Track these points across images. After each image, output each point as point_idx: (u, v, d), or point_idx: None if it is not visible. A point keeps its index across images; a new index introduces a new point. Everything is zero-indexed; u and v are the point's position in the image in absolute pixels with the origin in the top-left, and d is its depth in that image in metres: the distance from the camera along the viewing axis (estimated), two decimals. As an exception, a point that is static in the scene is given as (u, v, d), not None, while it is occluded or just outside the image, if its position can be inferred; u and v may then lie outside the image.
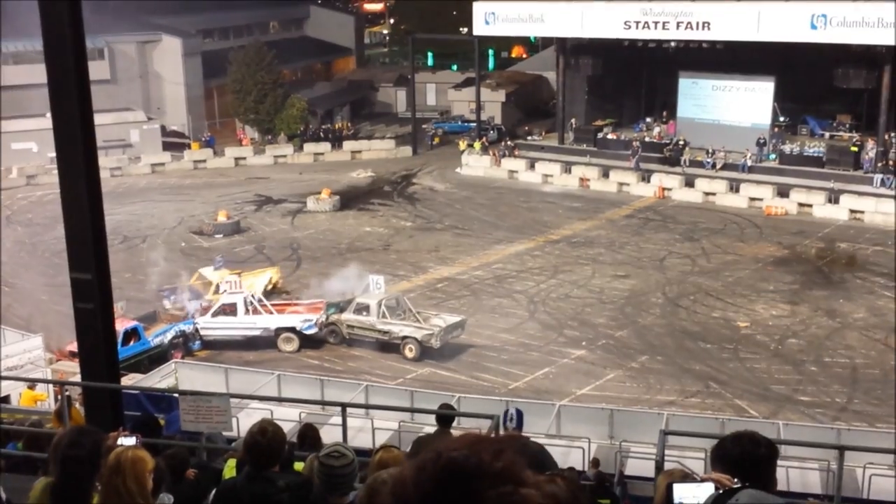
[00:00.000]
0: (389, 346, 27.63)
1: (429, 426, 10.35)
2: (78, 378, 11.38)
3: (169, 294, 30.32)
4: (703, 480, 2.84)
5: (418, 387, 23.35)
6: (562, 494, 2.86)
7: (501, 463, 1.48)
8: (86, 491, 4.73)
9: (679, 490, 2.81)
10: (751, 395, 24.45)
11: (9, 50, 52.46)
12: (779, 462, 3.63)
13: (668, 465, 6.80)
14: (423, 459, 1.50)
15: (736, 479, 2.82)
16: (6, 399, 19.83)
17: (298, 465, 6.80)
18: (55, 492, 4.76)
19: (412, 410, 15.42)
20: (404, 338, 27.26)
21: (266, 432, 5.65)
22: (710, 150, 45.18)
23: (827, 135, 46.05)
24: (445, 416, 9.95)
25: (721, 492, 2.58)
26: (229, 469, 7.61)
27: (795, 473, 15.09)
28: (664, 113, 50.04)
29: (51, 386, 20.73)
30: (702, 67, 46.32)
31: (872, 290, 31.95)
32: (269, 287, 31.31)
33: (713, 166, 44.94)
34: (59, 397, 15.99)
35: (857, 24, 39.08)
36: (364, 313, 27.95)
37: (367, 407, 18.61)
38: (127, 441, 5.09)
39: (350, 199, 45.41)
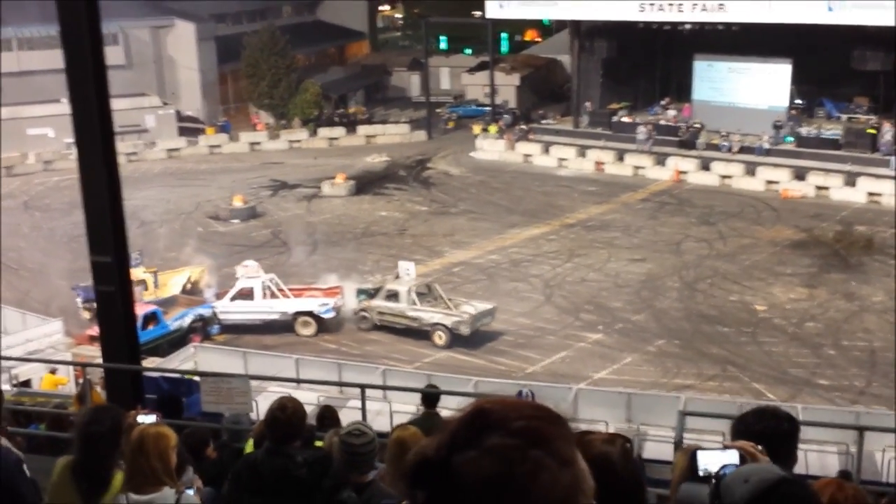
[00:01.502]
0: (414, 331, 27.57)
1: (446, 410, 10.38)
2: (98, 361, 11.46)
3: (81, 291, 28.56)
4: (726, 448, 2.81)
5: (436, 371, 23.37)
6: (614, 455, 2.86)
7: (522, 421, 1.48)
8: (107, 468, 4.76)
9: (703, 457, 2.79)
10: (769, 379, 24.39)
11: (23, 35, 52.63)
12: (798, 446, 3.61)
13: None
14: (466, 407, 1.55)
15: (760, 447, 2.81)
16: (27, 383, 19.99)
17: (319, 443, 6.84)
18: (76, 469, 4.79)
19: (430, 392, 15.46)
20: (434, 325, 27.15)
21: (286, 408, 5.69)
22: (726, 133, 44.90)
23: (844, 117, 45.67)
24: (431, 397, 10.01)
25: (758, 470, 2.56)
26: (248, 447, 7.66)
27: (814, 457, 15.03)
28: (668, 100, 49.73)
29: (71, 370, 20.87)
30: (717, 50, 45.95)
31: (890, 273, 31.74)
32: (188, 286, 30.30)
33: (729, 149, 44.70)
34: (80, 381, 16.10)
35: (874, 6, 38.67)
36: (394, 300, 27.84)
37: (386, 388, 18.65)
38: (147, 419, 5.11)
39: (365, 183, 45.43)
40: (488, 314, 27.71)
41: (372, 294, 28.58)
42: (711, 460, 2.77)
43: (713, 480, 2.61)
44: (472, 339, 26.93)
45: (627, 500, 2.85)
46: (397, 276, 28.94)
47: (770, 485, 2.36)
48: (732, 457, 2.74)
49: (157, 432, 4.65)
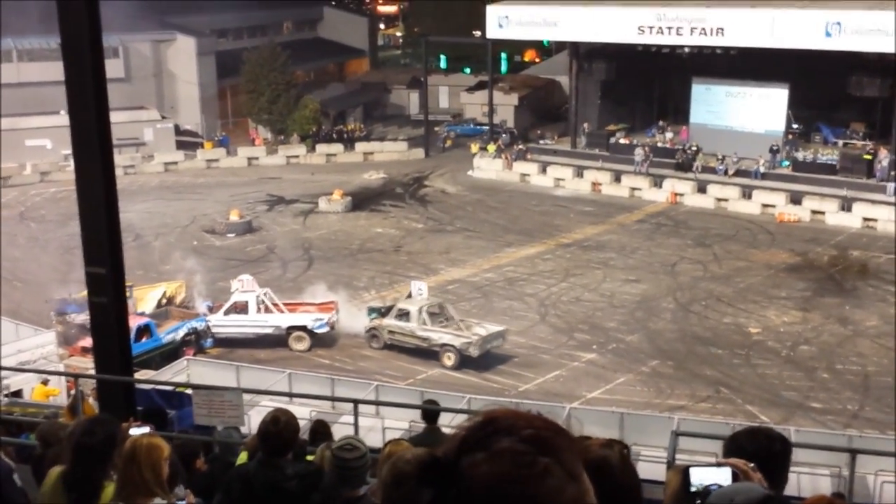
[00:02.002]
0: (423, 351, 27.32)
1: (442, 427, 10.36)
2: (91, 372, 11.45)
3: (55, 304, 28.53)
4: (720, 465, 2.83)
5: (429, 388, 23.34)
6: (613, 460, 2.87)
7: (531, 430, 1.49)
8: (97, 480, 4.75)
9: (696, 474, 2.80)
10: (762, 401, 24.39)
11: (23, 47, 52.77)
12: (790, 468, 3.62)
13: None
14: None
15: (753, 465, 2.82)
16: (19, 393, 19.91)
17: (311, 458, 6.83)
18: (67, 480, 4.78)
19: (423, 408, 15.47)
20: (443, 345, 26.88)
21: (279, 421, 5.70)
22: (722, 157, 45.08)
23: (840, 142, 45.87)
24: (432, 413, 10.01)
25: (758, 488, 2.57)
26: (241, 460, 7.65)
27: (806, 479, 15.01)
28: (665, 122, 49.94)
29: (63, 381, 20.81)
30: (715, 73, 46.20)
31: (884, 298, 31.81)
32: (164, 301, 29.82)
33: (725, 172, 44.85)
34: (72, 392, 16.06)
35: (872, 32, 38.92)
36: (405, 319, 27.60)
37: (379, 404, 18.63)
38: (139, 431, 5.11)
39: (362, 200, 45.49)
40: (499, 336, 27.44)
41: (383, 312, 28.37)
42: (704, 477, 2.78)
43: (698, 501, 2.63)
44: (481, 361, 26.68)
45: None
46: (409, 296, 28.75)
47: (755, 503, 2.37)
48: (725, 474, 2.75)
49: (150, 443, 4.65)
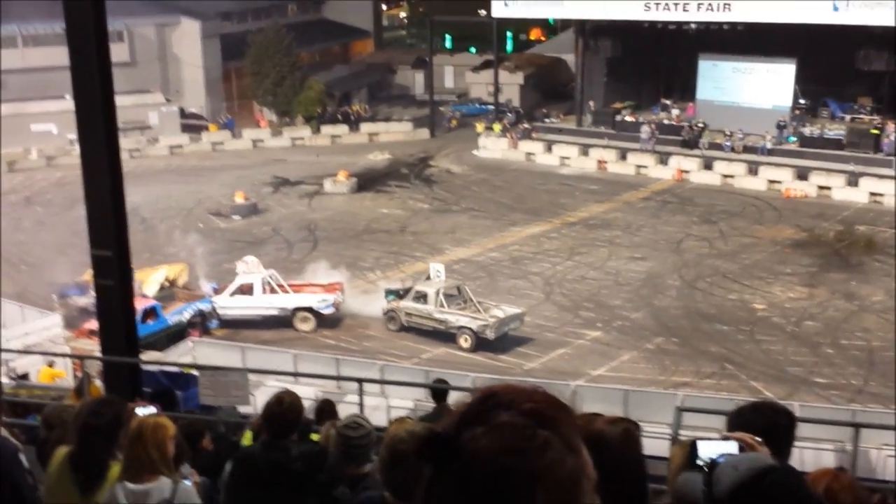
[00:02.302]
0: (440, 333, 27.20)
1: (451, 406, 10.43)
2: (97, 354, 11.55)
3: (57, 287, 28.65)
4: (726, 438, 2.85)
5: (434, 367, 23.45)
6: (610, 434, 2.91)
7: (531, 404, 1.50)
8: (103, 460, 4.80)
9: (703, 447, 2.82)
10: (766, 377, 24.44)
11: (28, 32, 52.74)
12: (794, 442, 3.64)
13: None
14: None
15: (760, 439, 2.85)
16: (25, 376, 20.06)
17: (316, 436, 6.90)
18: (73, 460, 4.84)
19: (431, 387, 15.60)
20: (460, 328, 26.80)
21: (283, 401, 5.73)
22: (729, 133, 44.93)
23: (847, 117, 45.65)
24: (441, 391, 10.10)
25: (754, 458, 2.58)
26: (246, 440, 7.73)
27: (810, 454, 15.07)
28: (672, 99, 49.74)
29: (69, 364, 20.96)
30: (722, 49, 45.96)
31: (890, 274, 31.74)
32: (166, 284, 29.74)
33: (732, 149, 44.71)
34: (78, 374, 16.19)
35: (880, 6, 38.65)
36: (422, 301, 27.50)
37: (384, 382, 18.74)
38: (145, 411, 5.16)
39: (367, 181, 45.47)
40: (516, 319, 27.24)
41: (401, 295, 28.24)
42: (711, 450, 2.80)
43: (706, 469, 2.66)
44: (497, 343, 26.57)
45: (624, 484, 2.91)
46: (427, 278, 28.68)
47: (759, 472, 2.39)
48: (732, 448, 2.77)
49: (156, 422, 4.70)
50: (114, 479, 4.74)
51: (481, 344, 26.56)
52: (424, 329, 27.59)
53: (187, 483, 5.03)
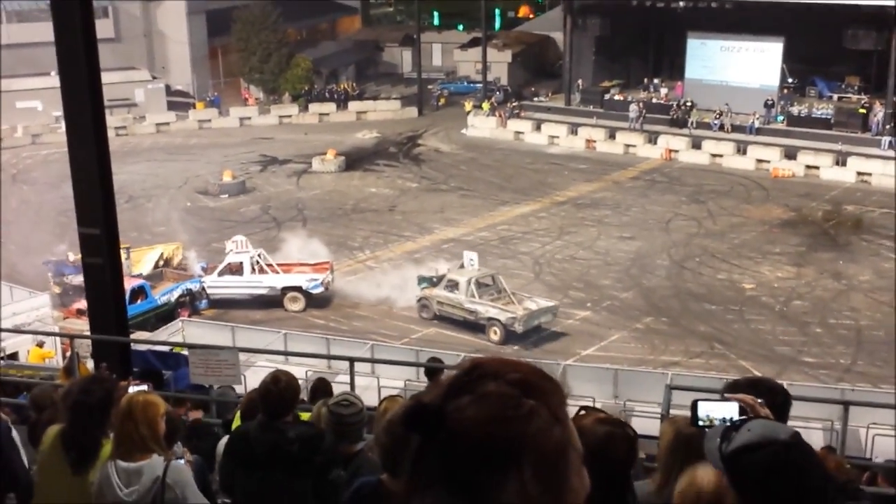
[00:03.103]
0: (471, 324, 26.57)
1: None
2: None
3: (52, 266, 28.58)
4: (727, 398, 2.83)
5: (423, 346, 23.43)
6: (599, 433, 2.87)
7: (517, 374, 1.49)
8: (95, 438, 4.76)
9: (704, 407, 2.81)
10: (755, 356, 24.53)
11: (13, 8, 52.16)
12: (787, 419, 3.63)
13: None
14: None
15: (761, 401, 2.82)
16: (14, 356, 19.94)
17: (304, 415, 6.85)
18: (65, 438, 4.79)
19: (419, 365, 15.59)
20: (489, 319, 26.08)
21: (279, 381, 5.69)
22: (719, 112, 44.90)
23: (835, 97, 45.74)
24: (434, 371, 10.10)
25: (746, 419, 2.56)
26: (236, 421, 7.67)
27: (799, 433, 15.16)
28: (660, 78, 49.64)
29: (59, 344, 20.84)
30: (710, 28, 45.88)
31: (878, 253, 31.93)
32: (161, 263, 29.87)
33: (721, 128, 44.70)
34: (68, 354, 16.07)
35: (868, -15, 38.67)
36: (454, 290, 26.67)
37: (375, 361, 18.71)
38: (137, 390, 5.11)
39: (355, 159, 45.30)
40: (548, 311, 26.37)
41: (434, 282, 27.42)
42: (711, 409, 2.79)
43: (706, 429, 2.63)
44: (528, 335, 25.94)
45: (610, 481, 2.87)
46: (461, 266, 27.71)
47: (769, 441, 2.35)
48: (732, 408, 2.76)
49: (146, 400, 4.65)
50: (106, 457, 4.69)
51: (511, 336, 25.72)
52: (455, 319, 26.76)
53: (180, 461, 4.98)
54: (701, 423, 2.78)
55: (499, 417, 1.45)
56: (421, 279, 27.88)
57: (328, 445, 5.64)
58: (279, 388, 5.64)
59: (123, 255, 28.41)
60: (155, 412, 4.62)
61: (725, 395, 2.89)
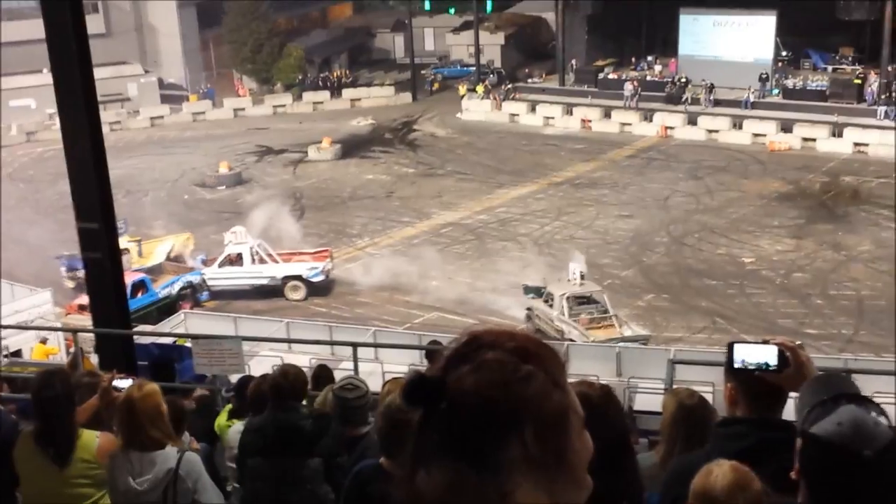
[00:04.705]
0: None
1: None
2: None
3: (64, 261, 28.41)
4: (766, 342, 2.75)
5: (426, 331, 23.44)
6: (592, 395, 2.90)
7: (514, 343, 1.51)
8: (69, 429, 4.71)
9: (740, 350, 2.73)
10: (757, 330, 24.52)
11: (3, 6, 51.91)
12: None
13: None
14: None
15: (799, 342, 2.76)
16: (18, 353, 19.96)
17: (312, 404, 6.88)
18: (40, 437, 4.75)
19: (422, 348, 15.62)
20: (572, 341, 22.83)
21: (288, 374, 5.82)
22: (710, 85, 44.69)
23: (830, 68, 45.66)
24: (435, 352, 10.12)
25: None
26: (223, 415, 7.66)
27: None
28: (654, 55, 49.48)
29: (62, 340, 20.87)
30: (702, 3, 45.74)
31: (877, 223, 31.94)
32: (172, 254, 29.84)
33: (712, 102, 44.58)
34: (72, 349, 16.10)
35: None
36: (549, 304, 24.86)
37: (378, 346, 18.75)
38: (123, 383, 5.05)
39: (351, 147, 45.22)
40: (636, 340, 23.20)
41: (540, 293, 25.62)
42: (749, 354, 2.72)
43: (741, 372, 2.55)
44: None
45: (610, 439, 2.88)
46: (569, 280, 25.43)
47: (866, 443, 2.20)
48: (771, 352, 2.69)
49: (143, 393, 4.59)
50: (86, 446, 4.67)
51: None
52: (551, 336, 23.96)
53: (193, 453, 4.98)
54: (737, 366, 2.72)
55: (498, 382, 1.46)
56: (527, 289, 26.17)
57: (336, 430, 5.68)
58: (289, 381, 5.75)
59: (134, 248, 28.70)
60: (155, 401, 4.60)
61: (764, 339, 2.81)
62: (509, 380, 1.47)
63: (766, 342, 2.72)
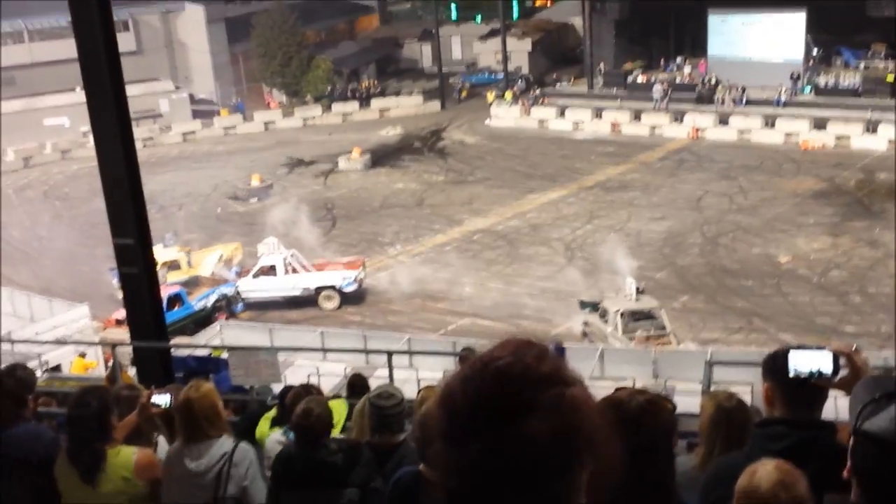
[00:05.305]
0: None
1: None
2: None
3: (116, 273, 29.09)
4: (819, 348, 2.72)
5: (460, 337, 23.43)
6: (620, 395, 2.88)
7: (547, 366, 1.49)
8: (98, 449, 4.71)
9: (795, 357, 2.70)
10: (795, 329, 24.30)
11: (34, 27, 52.76)
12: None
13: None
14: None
15: (855, 346, 2.73)
16: (58, 368, 20.19)
17: (334, 402, 6.85)
18: (70, 454, 4.77)
19: (456, 355, 15.62)
20: None
21: (311, 414, 5.46)
22: (742, 88, 44.40)
23: (862, 65, 45.12)
24: (467, 359, 10.07)
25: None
26: (265, 420, 7.66)
27: (843, 401, 15.01)
28: (683, 57, 49.16)
29: (101, 354, 21.08)
30: (730, 3, 45.41)
31: (914, 219, 31.48)
32: (221, 264, 30.32)
33: (741, 101, 44.21)
34: (110, 363, 16.26)
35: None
36: (604, 319, 24.24)
37: (413, 353, 18.77)
38: (161, 399, 5.11)
39: (381, 156, 45.36)
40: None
41: (596, 307, 25.09)
42: (804, 361, 2.69)
43: (801, 382, 2.51)
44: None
45: (644, 452, 2.84)
46: (628, 296, 24.65)
47: None
48: (826, 358, 2.66)
49: (201, 393, 4.84)
50: (123, 463, 4.71)
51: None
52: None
53: (247, 443, 5.13)
54: (792, 374, 2.68)
55: (514, 352, 1.50)
56: (582, 304, 25.62)
57: (368, 457, 5.58)
58: (310, 422, 5.44)
59: (184, 258, 29.11)
60: (212, 400, 4.86)
61: (818, 345, 2.78)
62: (524, 352, 1.51)
63: (819, 348, 2.69)
